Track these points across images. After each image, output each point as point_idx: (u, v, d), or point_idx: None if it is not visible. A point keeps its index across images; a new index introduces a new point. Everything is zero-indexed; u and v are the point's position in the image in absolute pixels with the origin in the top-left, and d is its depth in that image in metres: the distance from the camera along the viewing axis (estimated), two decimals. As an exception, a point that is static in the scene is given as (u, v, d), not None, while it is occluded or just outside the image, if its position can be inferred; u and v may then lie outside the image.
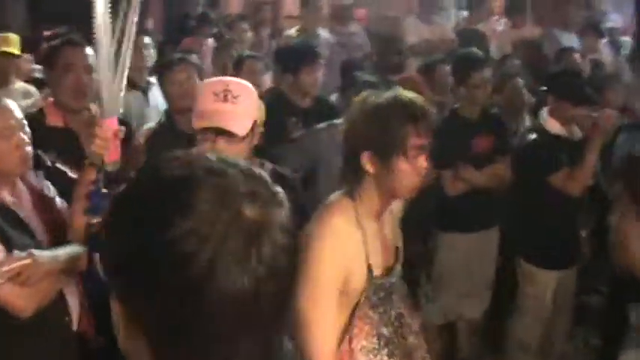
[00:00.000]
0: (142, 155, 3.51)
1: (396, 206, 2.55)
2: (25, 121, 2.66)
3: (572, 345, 4.89)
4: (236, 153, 2.34)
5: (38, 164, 2.99)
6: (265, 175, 1.01)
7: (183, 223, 0.91)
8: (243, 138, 2.48)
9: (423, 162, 2.31)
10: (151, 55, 5.14)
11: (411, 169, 2.29)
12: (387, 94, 2.34)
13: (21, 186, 2.72)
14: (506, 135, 4.70)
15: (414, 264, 4.76)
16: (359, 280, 2.29)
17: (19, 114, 2.63)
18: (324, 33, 7.23)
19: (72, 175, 3.12)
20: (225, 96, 2.48)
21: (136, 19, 2.39)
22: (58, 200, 2.82)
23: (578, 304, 4.78)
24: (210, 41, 6.91)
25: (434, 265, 4.77)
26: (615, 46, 8.49)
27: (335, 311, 2.25)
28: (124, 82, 2.46)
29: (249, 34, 7.10)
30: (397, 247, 2.50)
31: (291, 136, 4.52)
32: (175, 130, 3.86)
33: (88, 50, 3.32)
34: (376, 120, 2.28)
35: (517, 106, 5.21)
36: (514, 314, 4.57)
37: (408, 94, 2.35)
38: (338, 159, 3.98)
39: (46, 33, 5.30)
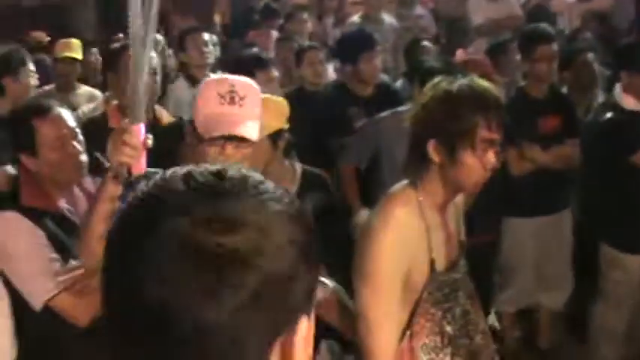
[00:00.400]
0: None
1: (460, 198, 2.44)
2: (78, 129, 2.66)
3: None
4: (246, 158, 2.24)
5: (100, 168, 3.02)
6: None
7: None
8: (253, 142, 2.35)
9: (491, 157, 2.17)
10: (211, 51, 5.12)
11: (478, 164, 2.16)
12: (461, 81, 2.22)
13: (78, 193, 2.73)
14: (574, 115, 4.51)
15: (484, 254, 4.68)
16: (421, 274, 2.19)
17: (72, 122, 2.64)
18: (388, 18, 7.12)
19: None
20: (232, 98, 2.29)
21: (155, 22, 2.16)
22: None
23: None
24: (274, 33, 6.88)
25: (500, 253, 4.65)
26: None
27: (397, 309, 2.15)
28: (144, 87, 2.20)
29: (309, 25, 7.04)
30: (461, 241, 2.40)
31: (355, 127, 4.47)
32: None
33: (151, 53, 3.35)
34: (445, 107, 2.17)
35: (586, 83, 4.98)
36: (598, 301, 4.37)
37: (483, 83, 2.23)
38: (402, 148, 3.95)
39: (117, 37, 5.37)
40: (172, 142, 2.69)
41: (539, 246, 4.51)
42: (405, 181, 2.29)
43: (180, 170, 0.93)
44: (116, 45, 3.63)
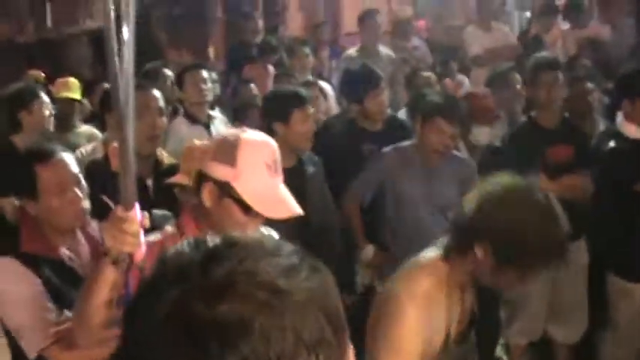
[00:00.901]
0: None
1: None
2: (80, 175, 2.61)
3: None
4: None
5: (105, 210, 2.97)
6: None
7: None
8: None
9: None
10: (210, 88, 5.10)
11: (515, 281, 2.22)
12: (536, 196, 2.17)
13: (80, 239, 2.67)
14: (586, 146, 4.42)
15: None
16: (436, 345, 2.21)
17: (75, 168, 2.59)
18: (384, 49, 7.13)
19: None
20: (276, 166, 2.18)
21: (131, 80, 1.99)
22: None
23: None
24: (271, 68, 6.88)
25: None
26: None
27: None
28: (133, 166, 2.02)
29: (311, 59, 7.03)
30: (474, 313, 2.40)
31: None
32: None
33: (156, 93, 3.34)
34: (514, 227, 2.10)
35: (585, 110, 4.95)
36: (608, 331, 4.33)
37: (556, 208, 2.21)
38: (406, 183, 3.94)
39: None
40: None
41: (551, 277, 4.44)
42: (437, 251, 2.28)
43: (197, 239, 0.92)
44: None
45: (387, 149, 4.12)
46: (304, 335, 0.83)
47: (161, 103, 3.32)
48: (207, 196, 2.16)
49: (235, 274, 0.85)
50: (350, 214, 4.25)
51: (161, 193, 3.02)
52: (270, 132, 3.76)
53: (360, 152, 4.50)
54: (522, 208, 2.12)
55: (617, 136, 4.16)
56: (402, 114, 5.34)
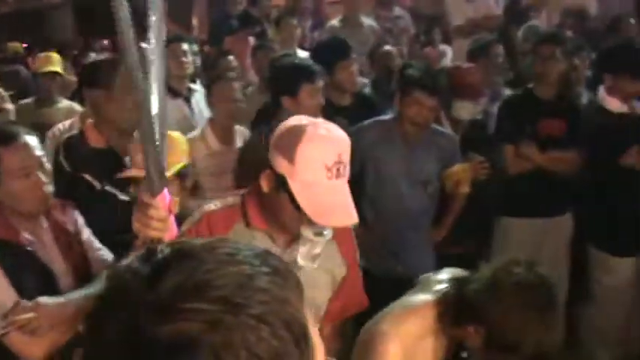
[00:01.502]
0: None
1: None
2: (44, 159, 2.53)
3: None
4: None
5: (88, 188, 2.96)
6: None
7: None
8: None
9: None
10: (190, 61, 5.07)
11: None
12: (544, 298, 2.17)
13: (43, 224, 2.61)
14: (579, 121, 4.39)
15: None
16: None
17: (38, 151, 2.50)
18: (367, 20, 7.08)
19: (122, 197, 3.04)
20: (338, 170, 2.06)
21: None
22: (85, 234, 2.74)
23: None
24: (252, 40, 6.82)
25: (492, 253, 4.63)
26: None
27: None
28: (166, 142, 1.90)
29: (299, 31, 6.96)
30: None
31: None
32: None
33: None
34: (515, 327, 2.11)
35: (568, 83, 4.93)
36: (589, 304, 4.37)
37: (558, 310, 2.27)
38: (388, 158, 3.92)
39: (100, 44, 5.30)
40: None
41: (534, 248, 4.48)
42: (428, 296, 2.32)
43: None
44: (96, 57, 3.47)
45: (366, 123, 4.08)
46: (259, 351, 0.79)
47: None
48: (265, 181, 2.14)
49: (184, 289, 0.80)
50: None
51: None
52: (277, 105, 3.77)
53: None
54: (528, 311, 2.12)
55: (600, 110, 4.16)
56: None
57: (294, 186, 2.06)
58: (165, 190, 1.88)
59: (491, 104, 4.74)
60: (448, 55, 7.20)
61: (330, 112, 3.93)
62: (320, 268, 2.27)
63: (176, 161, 2.74)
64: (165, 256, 0.85)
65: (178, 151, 2.78)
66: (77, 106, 5.02)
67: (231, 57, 5.62)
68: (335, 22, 7.01)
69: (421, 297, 2.32)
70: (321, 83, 3.80)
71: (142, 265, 0.85)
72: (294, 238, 2.22)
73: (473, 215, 4.24)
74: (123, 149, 3.14)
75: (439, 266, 2.82)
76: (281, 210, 2.13)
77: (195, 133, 4.20)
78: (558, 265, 4.52)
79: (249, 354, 0.79)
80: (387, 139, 3.87)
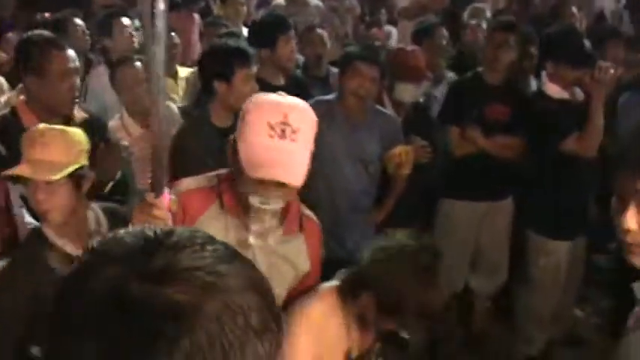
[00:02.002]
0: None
1: None
2: None
3: (584, 309, 4.80)
4: (286, 196, 2.17)
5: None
6: None
7: None
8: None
9: None
10: (136, 36, 4.95)
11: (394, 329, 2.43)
12: (423, 261, 2.35)
13: None
14: (525, 108, 4.39)
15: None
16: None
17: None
18: (314, -1, 7.03)
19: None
20: (283, 131, 2.08)
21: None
22: (15, 207, 2.69)
23: (587, 264, 4.65)
24: (197, 17, 6.72)
25: (434, 235, 4.67)
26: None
27: None
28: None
29: (245, 8, 6.88)
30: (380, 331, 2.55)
31: None
32: None
33: (72, 53, 3.23)
34: (396, 287, 2.28)
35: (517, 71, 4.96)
36: (526, 286, 4.43)
37: (437, 275, 2.39)
38: (328, 136, 3.89)
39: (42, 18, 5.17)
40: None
41: (475, 230, 4.54)
42: (335, 283, 2.43)
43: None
44: (36, 42, 3.31)
45: (309, 102, 4.04)
46: (252, 320, 0.83)
47: (77, 62, 3.23)
48: (230, 153, 2.18)
49: (177, 260, 0.83)
50: None
51: None
52: (210, 90, 3.60)
53: None
54: (407, 272, 2.29)
55: (542, 95, 4.20)
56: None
57: (240, 145, 2.10)
58: (167, 191, 1.97)
59: (434, 87, 4.75)
60: (393, 37, 7.21)
61: (266, 91, 3.85)
62: (283, 259, 2.31)
63: (69, 162, 2.46)
64: (156, 233, 0.88)
65: (75, 150, 2.50)
66: (4, 83, 4.85)
67: (172, 33, 5.52)
68: (281, 0, 6.95)
69: (327, 285, 2.44)
70: (255, 68, 3.67)
71: (133, 239, 0.88)
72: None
73: (416, 197, 4.27)
74: None
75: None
76: (239, 175, 2.14)
77: (113, 122, 3.98)
78: (499, 249, 4.60)
79: (245, 321, 0.83)
80: (329, 118, 3.85)
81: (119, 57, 4.31)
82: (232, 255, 0.89)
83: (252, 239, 2.19)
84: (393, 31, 7.44)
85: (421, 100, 4.55)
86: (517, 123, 4.33)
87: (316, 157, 3.89)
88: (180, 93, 5.11)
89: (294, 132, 2.08)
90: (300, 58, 5.21)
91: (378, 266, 2.33)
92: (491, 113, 4.37)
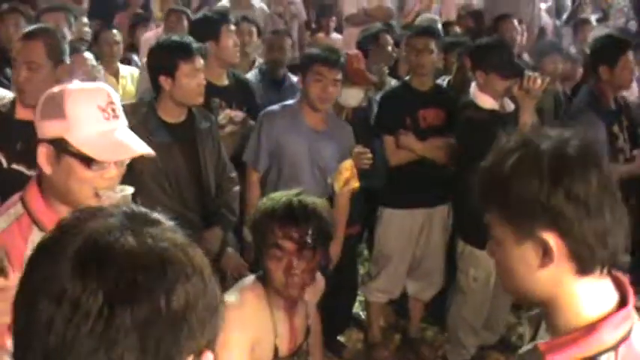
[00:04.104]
0: None
1: (314, 288, 2.57)
2: None
3: (519, 316, 4.86)
4: (120, 175, 2.03)
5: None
6: None
7: None
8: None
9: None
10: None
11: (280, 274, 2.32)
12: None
13: None
14: (456, 110, 4.42)
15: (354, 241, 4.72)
16: (265, 357, 2.34)
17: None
18: (258, 2, 7.03)
19: (28, 173, 2.93)
20: (114, 110, 1.98)
21: None
22: None
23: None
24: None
25: (375, 243, 4.70)
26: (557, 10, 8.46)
27: None
28: None
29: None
30: (308, 327, 2.54)
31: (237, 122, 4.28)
32: None
33: (37, 45, 3.17)
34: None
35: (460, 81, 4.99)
36: (457, 295, 4.44)
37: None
38: (292, 143, 3.86)
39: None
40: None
41: (415, 238, 4.55)
42: (255, 275, 2.45)
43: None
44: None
45: (274, 109, 4.00)
46: (208, 294, 0.95)
47: (35, 57, 3.15)
48: (43, 160, 1.95)
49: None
50: (251, 185, 4.02)
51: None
52: (157, 88, 3.53)
53: (208, 105, 4.07)
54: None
55: (472, 106, 4.19)
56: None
57: (74, 139, 1.91)
58: None
59: (376, 93, 4.78)
60: (337, 44, 7.23)
61: (209, 93, 3.81)
62: None
63: None
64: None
65: None
66: None
67: (115, 30, 5.47)
68: (224, 1, 6.92)
69: (247, 279, 2.48)
70: (201, 62, 3.55)
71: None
72: None
73: (357, 202, 4.27)
74: None
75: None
76: (70, 180, 1.93)
77: None
78: (435, 255, 4.63)
79: (204, 283, 0.95)
80: (294, 125, 3.83)
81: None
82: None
83: None
84: (338, 38, 7.47)
85: (364, 104, 4.56)
86: (452, 124, 4.37)
87: (280, 161, 3.90)
88: (121, 92, 5.04)
89: (119, 109, 2.02)
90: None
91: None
92: (425, 118, 4.41)
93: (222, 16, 4.46)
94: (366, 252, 5.46)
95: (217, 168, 3.67)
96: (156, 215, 0.99)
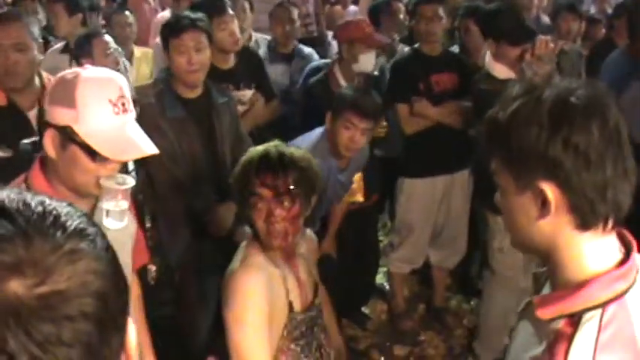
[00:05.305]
0: None
1: (308, 250, 2.57)
2: None
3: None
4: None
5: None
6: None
7: None
8: None
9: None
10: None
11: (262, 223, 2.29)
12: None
13: None
14: (468, 74, 4.31)
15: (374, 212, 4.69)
16: (281, 315, 2.31)
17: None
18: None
19: (2, 153, 3.00)
20: (124, 104, 1.97)
21: None
22: None
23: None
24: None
25: (396, 214, 4.67)
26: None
27: (265, 345, 2.23)
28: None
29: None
30: (315, 283, 2.53)
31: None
32: None
33: (20, 26, 3.13)
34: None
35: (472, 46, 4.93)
36: (489, 283, 4.19)
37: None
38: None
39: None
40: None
41: (436, 206, 4.50)
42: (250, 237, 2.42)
43: None
44: None
45: (308, 147, 3.89)
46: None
47: (21, 38, 3.10)
48: (49, 144, 1.95)
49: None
50: None
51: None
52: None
53: None
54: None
55: (487, 76, 3.93)
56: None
57: (81, 130, 1.90)
58: None
59: (388, 62, 4.73)
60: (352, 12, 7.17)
61: (215, 77, 3.77)
62: (126, 233, 2.21)
63: None
64: None
65: None
66: None
67: (127, 12, 5.46)
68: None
69: (246, 242, 2.43)
70: (190, 42, 3.43)
71: None
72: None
73: (374, 171, 4.23)
74: (26, 105, 3.13)
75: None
76: (73, 168, 1.95)
77: None
78: (457, 223, 4.58)
79: None
80: (325, 159, 3.57)
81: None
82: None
83: (108, 223, 1.99)
84: (355, 10, 7.40)
85: (375, 73, 4.52)
86: (464, 88, 4.25)
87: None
88: (135, 73, 5.04)
89: (129, 102, 2.00)
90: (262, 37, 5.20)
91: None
92: (438, 83, 4.34)
93: (212, 6, 4.17)
94: (389, 223, 5.44)
95: (234, 143, 3.65)
96: None
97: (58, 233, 0.80)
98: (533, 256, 3.79)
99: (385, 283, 5.02)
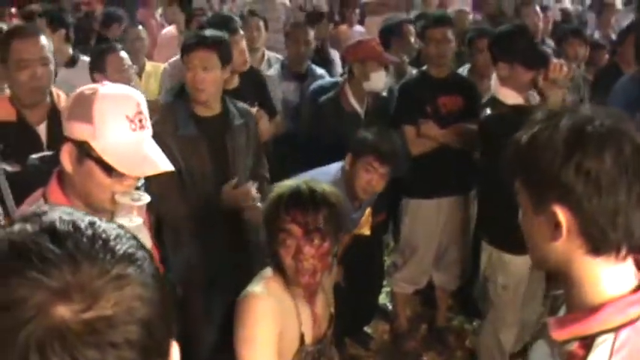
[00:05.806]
0: None
1: (329, 278, 2.55)
2: None
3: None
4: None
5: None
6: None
7: None
8: None
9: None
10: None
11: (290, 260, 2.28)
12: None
13: None
14: (475, 97, 4.36)
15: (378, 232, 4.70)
16: (291, 346, 2.31)
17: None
18: (279, -4, 7.02)
19: (10, 168, 3.00)
20: (141, 120, 1.98)
21: None
22: None
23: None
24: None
25: (401, 234, 4.69)
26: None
27: None
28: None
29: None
30: (331, 314, 2.52)
31: None
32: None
33: (42, 40, 3.14)
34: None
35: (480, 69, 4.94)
36: (489, 315, 4.07)
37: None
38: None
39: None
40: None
41: (441, 227, 4.52)
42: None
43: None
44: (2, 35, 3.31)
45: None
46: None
47: (45, 52, 3.13)
48: (66, 158, 1.96)
49: None
50: None
51: (54, 137, 2.88)
52: None
53: None
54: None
55: (495, 102, 3.82)
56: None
57: (98, 146, 1.91)
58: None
59: (397, 83, 4.76)
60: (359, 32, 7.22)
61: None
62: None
63: None
64: None
65: None
66: None
67: (140, 27, 5.50)
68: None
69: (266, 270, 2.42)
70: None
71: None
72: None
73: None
74: (35, 120, 3.13)
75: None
76: (89, 182, 1.96)
77: None
78: (461, 244, 4.60)
79: None
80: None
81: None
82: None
83: None
84: (361, 31, 7.45)
85: (384, 94, 4.55)
86: (471, 111, 4.26)
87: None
88: (143, 89, 5.07)
89: (146, 119, 2.00)
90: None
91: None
92: (445, 105, 4.36)
93: (222, 26, 4.14)
94: (392, 243, 5.45)
95: (252, 165, 3.66)
96: None
97: (107, 257, 0.81)
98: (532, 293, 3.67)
99: (388, 303, 5.03)
